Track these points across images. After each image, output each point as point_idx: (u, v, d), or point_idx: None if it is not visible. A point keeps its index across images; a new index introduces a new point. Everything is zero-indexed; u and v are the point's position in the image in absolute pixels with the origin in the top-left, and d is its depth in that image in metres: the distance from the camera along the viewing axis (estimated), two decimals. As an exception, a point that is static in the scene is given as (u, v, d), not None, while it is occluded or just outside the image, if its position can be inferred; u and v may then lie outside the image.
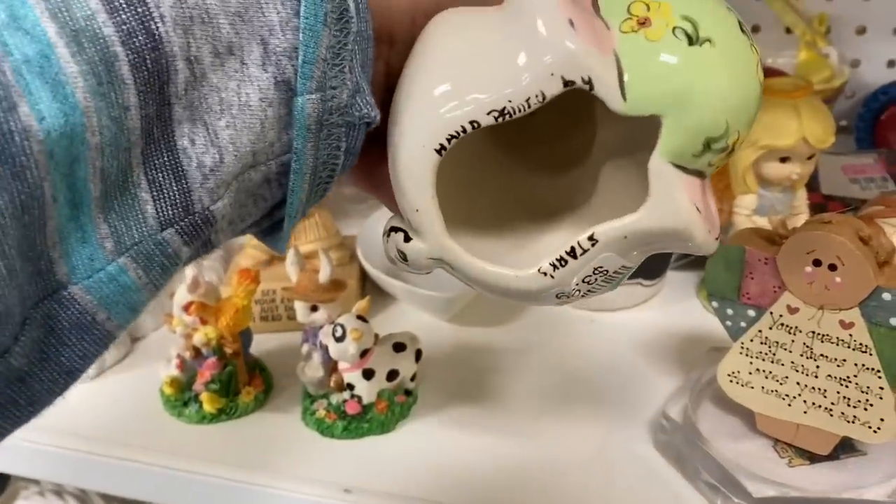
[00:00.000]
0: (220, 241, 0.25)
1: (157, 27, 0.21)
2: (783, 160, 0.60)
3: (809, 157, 0.60)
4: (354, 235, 0.74)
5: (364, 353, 0.54)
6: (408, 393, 0.58)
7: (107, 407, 0.61)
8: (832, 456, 0.49)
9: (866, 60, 0.96)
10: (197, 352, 0.60)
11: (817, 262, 0.44)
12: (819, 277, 0.44)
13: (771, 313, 0.47)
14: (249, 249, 0.70)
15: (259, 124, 0.23)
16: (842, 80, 0.88)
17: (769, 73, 0.88)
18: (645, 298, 0.69)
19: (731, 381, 0.50)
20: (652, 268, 0.68)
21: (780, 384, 0.48)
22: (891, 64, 0.95)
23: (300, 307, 0.55)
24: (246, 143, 0.23)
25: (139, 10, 0.21)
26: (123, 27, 0.21)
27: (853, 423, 0.47)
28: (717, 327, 0.65)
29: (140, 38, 0.21)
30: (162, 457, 0.56)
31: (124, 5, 0.21)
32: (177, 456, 0.56)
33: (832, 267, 0.44)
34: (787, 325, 0.47)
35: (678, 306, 0.69)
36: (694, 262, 0.72)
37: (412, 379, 0.58)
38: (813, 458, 0.49)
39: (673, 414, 0.53)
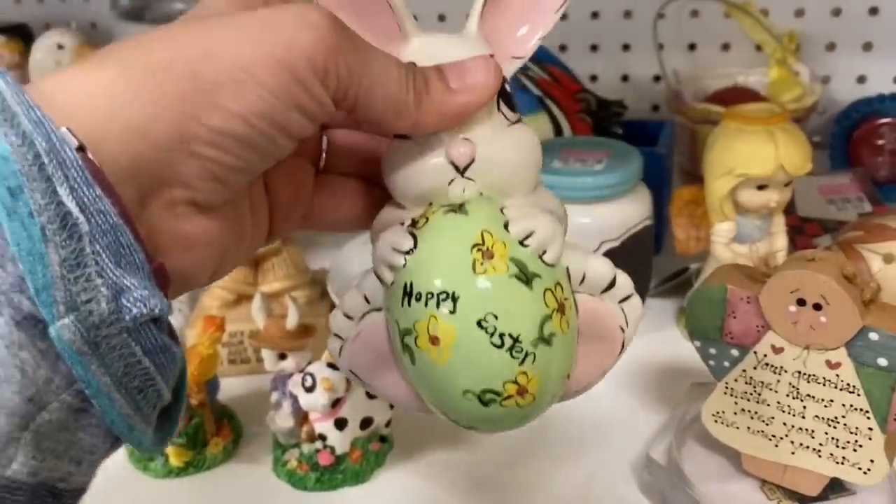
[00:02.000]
0: (81, 481, 0.23)
1: None
2: (760, 188, 0.59)
3: (787, 184, 0.59)
4: (325, 269, 0.72)
5: (336, 403, 0.52)
6: (383, 439, 0.56)
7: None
8: (821, 497, 0.47)
9: (837, 77, 0.96)
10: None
11: (801, 302, 0.43)
12: (804, 317, 0.43)
13: (755, 353, 0.46)
14: (216, 289, 0.68)
15: (18, 372, 0.21)
16: (814, 97, 0.87)
17: (741, 94, 0.88)
18: (624, 329, 0.67)
19: (716, 422, 0.49)
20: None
21: (767, 424, 0.47)
22: (861, 80, 0.95)
23: (268, 355, 0.53)
24: (11, 396, 0.20)
25: None
26: None
27: (842, 463, 0.45)
28: (698, 359, 0.64)
29: None
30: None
31: None
32: (142, 514, 0.53)
33: (817, 306, 0.42)
34: (772, 365, 0.45)
35: (657, 336, 0.68)
36: (672, 290, 0.71)
37: (387, 425, 0.56)
38: (802, 499, 0.48)
39: (656, 455, 0.51)
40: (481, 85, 0.30)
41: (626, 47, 1.01)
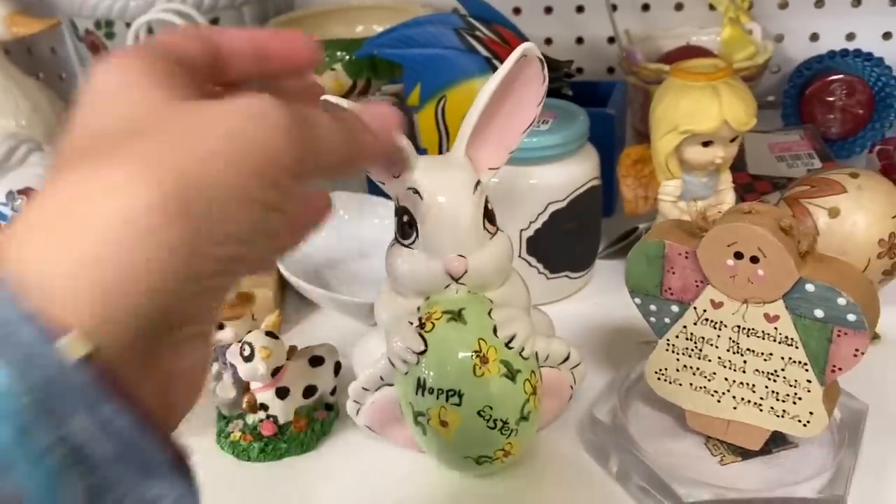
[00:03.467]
0: None
1: None
2: (706, 144, 0.58)
3: (732, 140, 0.59)
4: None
5: (276, 371, 0.51)
6: (328, 408, 0.55)
7: None
8: (764, 450, 0.47)
9: (790, 35, 0.95)
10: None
11: (739, 255, 0.42)
12: (741, 270, 0.43)
13: (695, 308, 0.45)
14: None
15: None
16: (766, 56, 0.87)
17: (694, 53, 0.87)
18: (573, 291, 0.67)
19: (659, 379, 0.49)
20: (579, 259, 0.66)
21: (709, 380, 0.47)
22: (814, 37, 0.95)
23: (206, 325, 0.52)
24: None
25: None
26: None
27: (783, 417, 0.45)
28: (646, 320, 0.63)
29: None
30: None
31: None
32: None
33: (754, 259, 0.42)
34: (712, 320, 0.45)
35: (606, 298, 0.67)
36: (622, 251, 0.71)
37: (332, 393, 0.55)
38: (745, 453, 0.47)
39: (601, 414, 0.51)
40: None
41: (580, 9, 1.00)
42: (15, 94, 0.78)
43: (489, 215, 0.48)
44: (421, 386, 0.46)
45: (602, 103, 0.74)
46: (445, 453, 0.48)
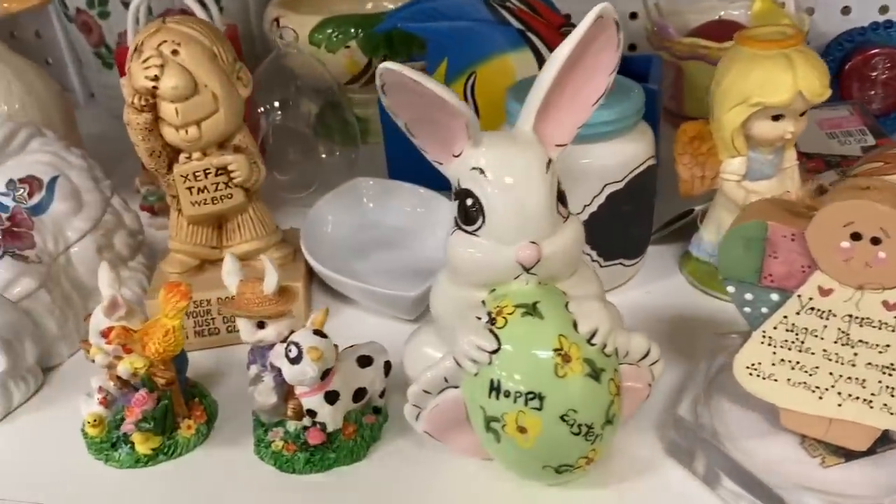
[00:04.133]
0: None
1: None
2: (775, 118, 0.54)
3: (802, 114, 0.55)
4: (296, 229, 0.66)
5: (325, 374, 0.46)
6: (377, 411, 0.50)
7: (18, 455, 0.52)
8: (868, 451, 0.43)
9: (821, 8, 0.91)
10: (124, 382, 0.50)
11: (856, 236, 0.38)
12: (858, 253, 0.38)
13: (799, 297, 0.41)
14: (175, 255, 0.61)
15: None
16: (802, 29, 0.82)
17: (727, 27, 0.83)
18: (624, 279, 0.62)
19: (750, 375, 0.44)
20: (634, 244, 0.61)
21: (810, 375, 0.42)
22: (846, 10, 0.91)
23: (244, 325, 0.47)
24: None
25: None
26: None
27: (896, 414, 0.41)
28: (709, 306, 0.59)
29: None
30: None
31: None
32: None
33: (875, 240, 0.37)
34: (819, 310, 0.41)
35: (660, 285, 0.63)
36: (672, 235, 0.66)
37: (381, 395, 0.50)
38: (848, 454, 0.43)
39: (683, 412, 0.46)
40: None
41: (599, -17, 0.95)
42: (7, 76, 0.72)
43: (561, 197, 0.43)
44: (495, 388, 0.41)
45: (636, 79, 0.70)
46: (521, 462, 0.43)
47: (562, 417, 0.40)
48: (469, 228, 0.43)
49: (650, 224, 0.63)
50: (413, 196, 0.70)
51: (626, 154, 0.57)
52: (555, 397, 0.40)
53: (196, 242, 0.60)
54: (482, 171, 0.42)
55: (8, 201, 0.57)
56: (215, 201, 0.58)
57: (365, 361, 0.49)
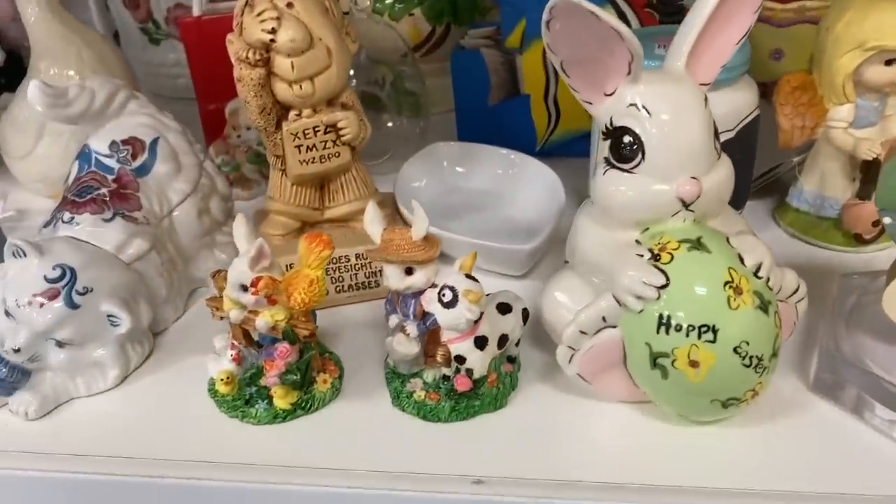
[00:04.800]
0: None
1: None
2: (888, 63, 0.54)
3: (912, 59, 0.55)
4: (387, 192, 0.65)
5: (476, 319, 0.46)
6: (511, 360, 0.50)
7: (141, 416, 0.51)
8: None
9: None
10: (249, 340, 0.50)
11: None
12: None
13: (961, 224, 0.42)
14: (276, 217, 0.60)
15: None
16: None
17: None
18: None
19: (900, 307, 0.45)
20: (739, 196, 0.61)
21: (966, 304, 0.43)
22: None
23: (392, 272, 0.46)
24: None
25: None
26: None
27: None
28: (812, 255, 0.60)
29: None
30: (232, 470, 0.46)
31: None
32: (252, 465, 0.46)
33: None
34: (982, 235, 0.41)
35: (762, 237, 0.63)
36: (763, 190, 0.67)
37: (517, 344, 0.50)
38: None
39: (826, 347, 0.47)
40: None
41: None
42: (77, 44, 0.70)
43: (716, 133, 0.44)
44: (664, 324, 0.41)
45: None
46: (688, 398, 0.43)
47: (735, 349, 0.41)
48: (625, 167, 0.43)
49: (751, 176, 0.63)
50: (494, 157, 0.70)
51: (737, 103, 0.57)
52: (729, 329, 0.41)
53: (299, 204, 0.59)
54: (642, 108, 0.42)
55: (112, 163, 0.56)
56: (323, 160, 0.57)
57: (504, 308, 0.48)
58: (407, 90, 0.80)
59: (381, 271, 0.54)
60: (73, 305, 0.49)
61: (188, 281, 0.60)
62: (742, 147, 0.58)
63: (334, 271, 0.58)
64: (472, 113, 0.77)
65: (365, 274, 0.58)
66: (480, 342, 0.46)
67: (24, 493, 0.48)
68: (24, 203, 0.74)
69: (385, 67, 0.77)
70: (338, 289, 0.58)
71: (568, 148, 0.75)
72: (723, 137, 0.56)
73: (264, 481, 0.45)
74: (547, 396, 0.49)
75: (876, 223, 0.58)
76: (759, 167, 0.66)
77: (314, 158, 0.57)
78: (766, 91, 0.65)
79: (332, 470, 0.45)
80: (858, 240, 0.59)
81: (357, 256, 0.58)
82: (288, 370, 0.47)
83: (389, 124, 0.79)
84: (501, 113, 0.76)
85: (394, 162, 0.72)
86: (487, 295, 0.49)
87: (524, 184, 0.68)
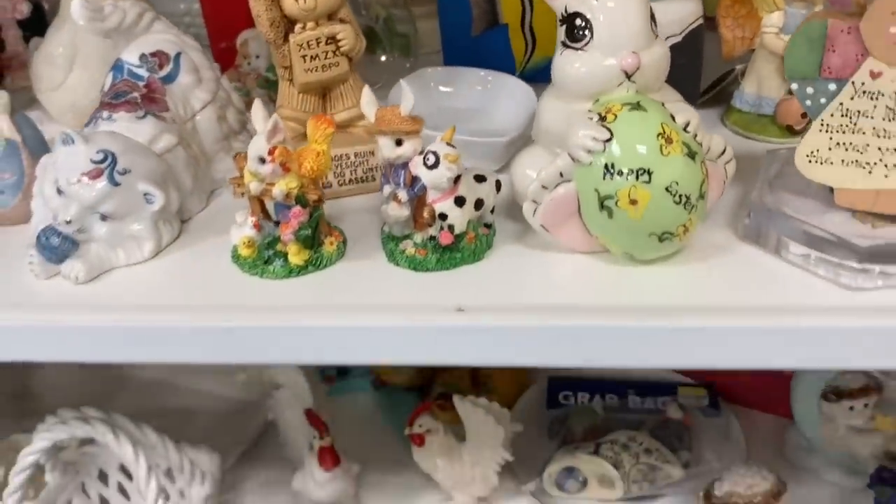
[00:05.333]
0: None
1: None
2: (810, -28, 0.63)
3: (830, -30, 0.64)
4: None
5: (455, 181, 0.54)
6: (487, 226, 0.59)
7: (174, 282, 0.59)
8: (910, 215, 0.53)
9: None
10: (266, 215, 0.59)
11: (902, 21, 0.47)
12: (904, 36, 0.48)
13: (853, 83, 0.51)
14: (286, 122, 0.68)
15: None
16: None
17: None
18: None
19: (809, 162, 0.54)
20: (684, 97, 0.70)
21: (861, 153, 0.52)
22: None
23: (385, 143, 0.55)
24: None
25: None
26: None
27: (934, 175, 0.51)
28: (753, 148, 0.69)
29: None
30: (255, 314, 0.55)
31: None
32: (273, 309, 0.55)
33: (918, 22, 0.47)
34: (869, 92, 0.50)
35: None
36: (710, 101, 0.76)
37: (492, 211, 0.59)
38: (893, 219, 0.53)
39: (754, 201, 0.56)
40: None
41: None
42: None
43: (653, 17, 0.52)
44: (609, 171, 0.50)
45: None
46: (630, 234, 0.52)
47: (667, 188, 0.50)
48: (577, 45, 0.52)
49: (699, 77, 0.72)
50: (476, 77, 0.79)
51: (682, 13, 0.66)
52: (661, 172, 0.50)
53: (304, 110, 0.68)
54: None
55: (142, 72, 0.65)
56: (325, 69, 0.66)
57: (480, 178, 0.57)
58: (398, 32, 0.89)
59: (376, 168, 0.64)
60: (114, 183, 0.58)
61: (210, 181, 0.69)
62: (689, 51, 0.67)
63: (337, 167, 0.67)
64: (457, 45, 0.86)
65: (363, 170, 0.67)
66: (459, 201, 0.55)
67: (76, 340, 0.57)
68: (55, 135, 0.83)
69: (378, 6, 0.86)
70: (340, 182, 0.67)
71: (545, 74, 0.83)
72: (671, 41, 0.66)
73: (282, 322, 0.54)
74: (518, 253, 0.58)
75: (804, 115, 0.67)
76: (708, 81, 0.76)
77: (317, 67, 0.66)
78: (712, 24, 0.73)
79: (338, 308, 0.54)
80: (791, 131, 0.68)
81: (356, 155, 0.67)
82: (301, 227, 0.56)
83: (382, 58, 0.88)
84: (483, 43, 0.85)
85: (384, 90, 0.80)
86: (466, 169, 0.59)
87: (503, 99, 0.77)
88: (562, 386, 1.05)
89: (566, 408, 1.02)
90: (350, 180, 0.67)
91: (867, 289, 0.50)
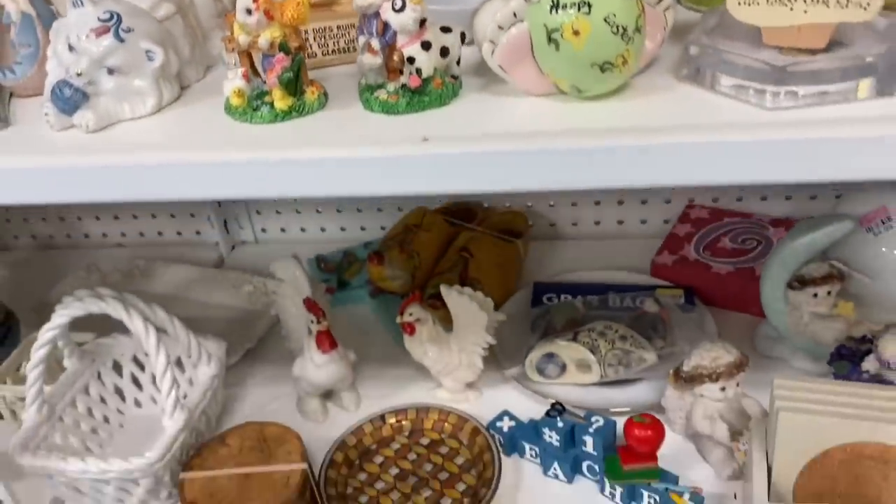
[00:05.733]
0: None
1: None
2: None
3: None
4: None
5: (420, 24, 0.61)
6: (454, 77, 0.65)
7: (175, 131, 0.66)
8: (826, 49, 0.59)
9: None
10: (255, 72, 0.65)
11: None
12: None
13: (773, -75, 0.56)
14: None
15: None
16: None
17: None
18: None
19: (739, 5, 0.59)
20: None
21: (783, -7, 0.58)
22: None
23: (357, -8, 0.62)
24: None
25: None
26: None
27: (846, 7, 0.56)
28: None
29: None
30: (246, 151, 0.61)
31: None
32: (262, 146, 0.61)
33: None
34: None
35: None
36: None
37: (458, 63, 0.65)
38: (812, 53, 0.59)
39: (693, 47, 0.62)
40: None
41: None
42: None
43: None
44: (554, 6, 0.56)
45: None
46: (575, 64, 0.58)
47: (605, 19, 0.56)
48: None
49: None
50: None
51: None
52: (600, 4, 0.55)
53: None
54: None
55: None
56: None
57: (446, 29, 0.64)
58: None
59: (356, 40, 0.70)
60: (119, 39, 0.65)
61: (206, 55, 0.76)
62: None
63: (321, 38, 0.73)
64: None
65: (345, 41, 0.74)
66: (426, 45, 0.62)
67: (89, 180, 0.64)
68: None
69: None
70: (324, 52, 0.74)
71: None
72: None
73: (269, 156, 0.61)
74: (482, 99, 0.65)
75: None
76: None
77: (303, -54, 0.72)
78: None
79: (319, 143, 0.61)
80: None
81: (338, 27, 0.73)
82: (284, 71, 0.62)
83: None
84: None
85: None
86: (433, 23, 0.65)
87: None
88: (546, 289, 1.12)
89: (549, 305, 1.08)
90: (333, 51, 0.74)
91: (786, 107, 0.56)
